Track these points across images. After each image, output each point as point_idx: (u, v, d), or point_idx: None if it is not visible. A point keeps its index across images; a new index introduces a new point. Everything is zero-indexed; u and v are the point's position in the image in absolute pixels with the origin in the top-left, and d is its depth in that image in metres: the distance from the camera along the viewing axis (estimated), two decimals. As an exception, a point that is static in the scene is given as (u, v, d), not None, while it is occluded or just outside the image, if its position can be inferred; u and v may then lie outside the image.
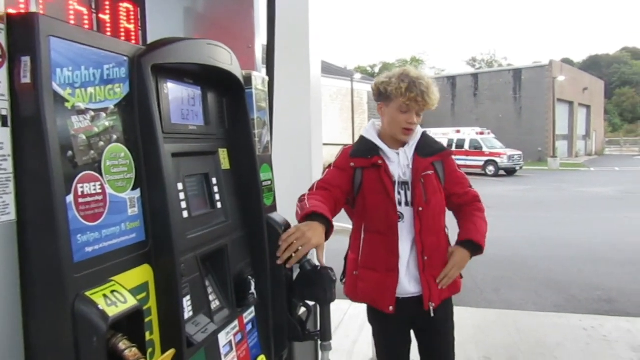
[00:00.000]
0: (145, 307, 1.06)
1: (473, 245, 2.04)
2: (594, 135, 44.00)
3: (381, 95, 2.03)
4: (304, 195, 1.95)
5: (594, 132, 43.92)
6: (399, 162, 2.03)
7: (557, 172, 25.49)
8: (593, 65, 70.99)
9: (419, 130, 2.10)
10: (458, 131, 24.30)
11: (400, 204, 2.00)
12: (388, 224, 2.00)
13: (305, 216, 1.75)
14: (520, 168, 24.24)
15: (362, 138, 2.11)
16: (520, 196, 14.65)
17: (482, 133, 24.97)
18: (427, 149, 2.06)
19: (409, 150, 2.05)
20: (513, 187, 18.09)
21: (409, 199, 2.01)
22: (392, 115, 2.01)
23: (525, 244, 7.84)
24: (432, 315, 2.01)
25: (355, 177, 2.05)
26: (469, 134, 24.47)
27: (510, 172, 23.54)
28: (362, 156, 2.04)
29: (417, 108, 1.97)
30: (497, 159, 23.42)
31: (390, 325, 2.10)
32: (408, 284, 2.01)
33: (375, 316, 2.12)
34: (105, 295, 0.91)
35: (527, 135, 32.42)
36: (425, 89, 1.94)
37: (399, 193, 2.01)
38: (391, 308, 2.01)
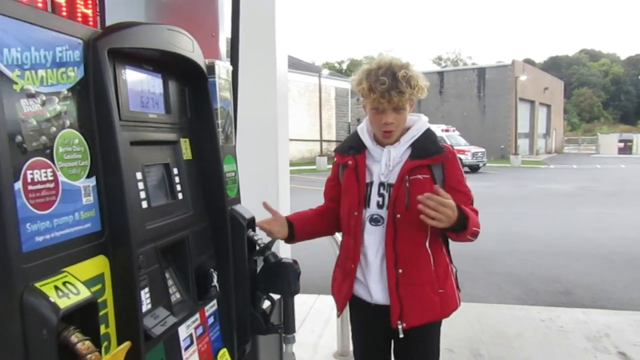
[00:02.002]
0: (100, 300, 1.03)
1: (462, 215, 1.69)
2: (553, 134, 45.40)
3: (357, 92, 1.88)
4: None
5: (553, 130, 45.32)
6: (382, 161, 1.87)
7: (518, 169, 26.20)
8: (553, 65, 73.24)
9: (421, 126, 1.89)
10: (424, 128, 24.68)
11: (380, 206, 1.84)
12: (349, 226, 1.91)
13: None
14: (484, 165, 24.79)
15: (353, 133, 2.01)
16: (483, 192, 14.96)
17: (447, 130, 25.38)
18: (422, 150, 1.84)
19: (399, 149, 1.86)
20: (476, 183, 18.47)
21: (387, 202, 1.84)
22: (369, 115, 1.85)
23: (488, 239, 8.00)
24: (402, 335, 1.83)
25: (339, 175, 2.01)
26: (434, 130, 24.78)
27: (474, 168, 24.03)
28: (341, 152, 1.99)
29: (390, 106, 1.75)
30: (462, 156, 23.66)
31: (365, 328, 2.02)
32: (380, 293, 1.87)
33: (351, 316, 2.07)
34: (56, 287, 0.87)
35: (490, 132, 33.16)
36: (389, 86, 1.70)
37: (380, 195, 1.85)
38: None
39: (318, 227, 2.07)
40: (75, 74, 1.02)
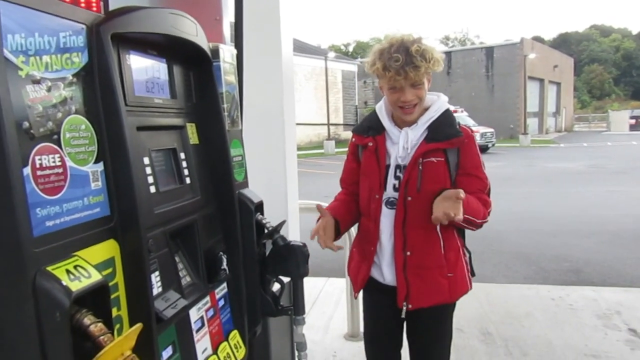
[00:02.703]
0: (111, 283, 1.04)
1: None
2: (563, 112, 44.89)
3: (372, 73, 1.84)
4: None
5: (563, 109, 44.80)
6: (400, 143, 1.82)
7: (528, 148, 25.99)
8: (563, 42, 72.12)
9: (440, 107, 1.84)
10: (431, 109, 24.45)
11: (396, 189, 1.82)
12: (369, 210, 1.89)
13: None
14: (493, 145, 24.63)
15: (372, 112, 1.95)
16: (492, 172, 14.74)
17: (455, 111, 24.79)
18: (438, 132, 1.79)
19: (416, 130, 1.81)
20: (485, 163, 18.32)
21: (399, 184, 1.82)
22: (387, 95, 1.81)
23: (497, 219, 7.96)
24: (403, 316, 1.86)
25: (358, 156, 1.96)
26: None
27: (482, 149, 23.75)
28: (360, 133, 1.93)
29: (407, 83, 1.72)
30: (470, 137, 23.62)
31: (376, 309, 2.01)
32: (390, 275, 1.87)
33: (363, 297, 2.05)
34: (68, 271, 0.89)
35: (499, 112, 32.86)
36: (403, 62, 1.67)
37: (397, 178, 1.82)
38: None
39: (353, 216, 2.01)
40: (79, 60, 1.02)
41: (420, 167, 1.77)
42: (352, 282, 2.04)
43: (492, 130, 24.62)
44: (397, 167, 1.83)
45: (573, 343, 3.46)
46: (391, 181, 1.83)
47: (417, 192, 1.77)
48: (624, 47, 75.31)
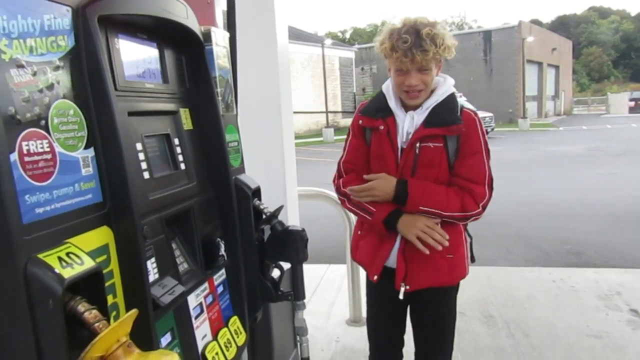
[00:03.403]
0: (106, 270, 1.03)
1: (403, 189, 1.73)
2: (562, 96, 44.73)
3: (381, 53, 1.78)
4: (342, 188, 1.91)
5: (562, 92, 44.63)
6: (405, 127, 1.79)
7: (527, 132, 25.94)
8: (561, 25, 71.69)
9: (445, 90, 1.79)
10: (430, 95, 24.27)
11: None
12: None
13: (386, 216, 1.79)
14: (492, 130, 24.54)
15: (379, 93, 1.89)
16: (492, 157, 14.86)
17: (454, 96, 25.03)
18: (438, 117, 1.75)
19: (421, 115, 1.78)
20: (485, 148, 18.31)
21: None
22: (393, 77, 1.76)
23: (498, 203, 7.94)
24: (401, 297, 1.84)
25: (366, 138, 1.89)
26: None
27: (482, 134, 23.76)
28: (369, 115, 1.85)
29: (414, 67, 1.68)
30: (469, 122, 23.55)
31: (380, 292, 1.98)
32: (393, 257, 1.86)
33: (367, 281, 2.01)
34: (60, 258, 0.87)
35: (497, 97, 32.74)
36: (412, 44, 1.62)
37: (400, 159, 1.81)
38: (375, 277, 1.89)
39: None
40: (65, 43, 1.00)
41: (417, 152, 1.75)
42: (367, 265, 1.95)
43: (491, 114, 24.52)
44: (403, 149, 1.80)
45: (575, 324, 3.46)
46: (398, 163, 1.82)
47: (411, 176, 1.76)
48: (623, 29, 74.83)
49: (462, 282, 1.95)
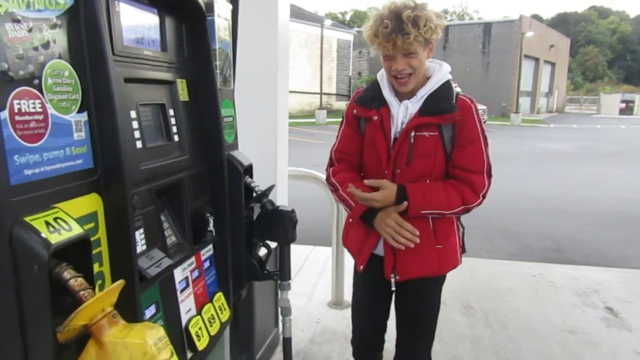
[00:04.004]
0: (94, 238, 1.01)
1: (403, 194, 1.72)
2: (556, 93, 44.89)
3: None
4: (331, 178, 1.89)
5: (556, 89, 44.79)
6: (399, 117, 1.76)
7: (518, 127, 26.08)
8: (561, 22, 71.62)
9: (440, 78, 1.76)
10: (426, 83, 24.12)
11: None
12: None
13: (362, 213, 1.80)
14: (484, 122, 24.53)
15: (373, 82, 1.86)
16: (482, 150, 14.94)
17: (448, 86, 25.03)
18: (432, 106, 1.72)
19: (416, 104, 1.74)
20: (475, 140, 18.38)
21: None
22: (383, 63, 1.73)
23: (484, 196, 8.05)
24: (393, 288, 1.86)
25: (360, 128, 1.86)
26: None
27: (474, 126, 23.86)
28: (363, 105, 1.82)
29: (398, 51, 1.64)
30: (462, 113, 23.63)
31: (366, 278, 1.96)
32: (381, 245, 1.85)
33: (355, 267, 2.01)
34: (47, 222, 0.85)
35: (492, 90, 32.74)
36: (392, 29, 1.59)
37: (393, 148, 1.78)
38: (362, 267, 1.90)
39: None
40: (64, 1, 0.96)
41: (412, 141, 1.72)
42: (355, 254, 1.95)
43: (484, 107, 24.53)
44: (396, 139, 1.77)
45: (552, 318, 3.52)
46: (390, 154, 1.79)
47: (406, 166, 1.74)
48: (620, 30, 75.04)
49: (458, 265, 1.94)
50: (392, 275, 1.83)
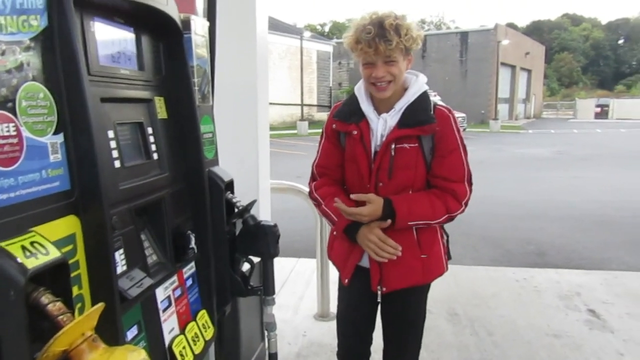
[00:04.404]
0: (72, 261, 1.00)
1: (389, 208, 1.72)
2: (533, 99, 45.74)
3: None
4: (314, 193, 1.90)
5: (533, 95, 45.63)
6: (378, 131, 1.77)
7: (498, 134, 26.46)
8: (535, 30, 73.16)
9: (417, 90, 1.77)
10: (405, 92, 24.28)
11: None
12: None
13: (345, 227, 1.80)
14: (464, 130, 24.94)
15: (351, 96, 1.86)
16: (462, 157, 15.11)
17: (428, 95, 25.37)
18: (411, 118, 1.73)
19: (394, 117, 1.75)
20: (456, 148, 18.60)
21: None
22: (362, 72, 1.74)
23: (466, 202, 8.14)
24: (379, 300, 1.87)
25: (341, 141, 1.86)
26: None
27: (454, 133, 24.18)
28: (342, 119, 1.82)
29: (379, 58, 1.66)
30: (442, 121, 23.95)
31: (351, 290, 1.95)
32: (366, 256, 1.85)
33: (340, 279, 2.00)
34: (23, 247, 0.84)
35: (471, 97, 33.23)
36: (375, 34, 1.61)
37: (374, 162, 1.78)
38: (346, 281, 1.90)
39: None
40: (38, 23, 0.96)
41: (393, 154, 1.73)
42: (340, 267, 1.95)
43: (463, 115, 24.90)
44: (376, 153, 1.78)
45: (536, 323, 3.56)
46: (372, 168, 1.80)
47: (389, 179, 1.75)
48: (593, 37, 76.97)
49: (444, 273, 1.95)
50: (378, 287, 1.84)
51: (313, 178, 1.96)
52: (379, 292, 1.84)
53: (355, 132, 1.78)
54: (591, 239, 6.29)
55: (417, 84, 1.80)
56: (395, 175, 1.74)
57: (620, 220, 7.18)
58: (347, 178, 1.88)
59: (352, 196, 1.79)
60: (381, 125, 1.77)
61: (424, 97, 1.77)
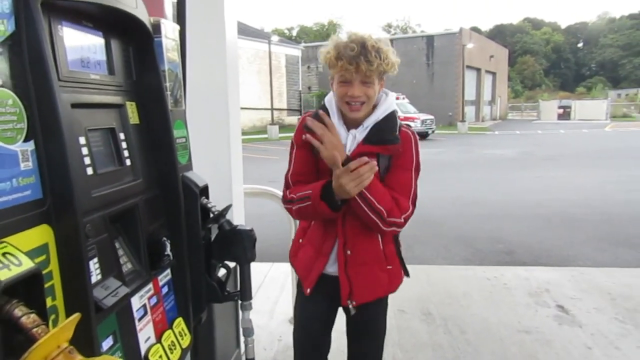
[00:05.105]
0: (45, 271, 0.97)
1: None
2: (498, 101, 46.84)
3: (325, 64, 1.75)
4: (288, 196, 1.85)
5: (498, 97, 46.74)
6: (347, 146, 1.77)
7: (465, 135, 27.00)
8: (499, 34, 75.04)
9: (386, 108, 1.78)
10: (375, 96, 24.42)
11: None
12: None
13: (321, 189, 1.71)
14: (433, 132, 25.37)
15: (322, 107, 1.84)
16: (431, 159, 15.33)
17: (397, 98, 25.69)
18: (377, 136, 1.74)
19: (363, 133, 1.76)
20: (425, 150, 18.76)
21: None
22: (336, 89, 1.73)
23: (436, 204, 8.27)
24: (352, 313, 1.86)
25: (313, 151, 1.81)
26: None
27: (423, 135, 24.53)
28: (313, 131, 1.78)
29: (357, 77, 1.66)
30: (411, 123, 24.25)
31: (314, 302, 1.94)
32: (333, 266, 1.86)
33: (299, 288, 2.00)
34: (-5, 258, 0.81)
35: (438, 100, 33.82)
36: (358, 52, 1.62)
37: None
38: (308, 290, 1.90)
39: None
40: (5, 28, 0.93)
41: None
42: (302, 277, 1.95)
43: (432, 117, 25.33)
44: None
45: (507, 320, 3.64)
46: None
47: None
48: (554, 40, 79.49)
49: (403, 281, 1.98)
50: (349, 301, 1.84)
51: (287, 186, 1.92)
52: (351, 306, 1.84)
53: None
54: (557, 236, 6.48)
55: (386, 102, 1.81)
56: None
57: (584, 218, 7.42)
58: None
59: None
60: (350, 140, 1.78)
61: (391, 116, 1.79)
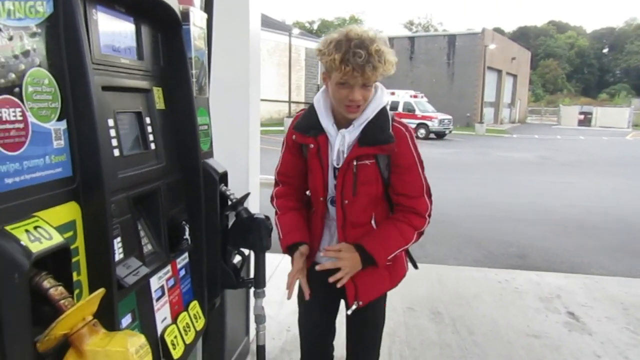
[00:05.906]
0: (72, 247, 1.00)
1: (366, 255, 1.75)
2: (518, 104, 46.30)
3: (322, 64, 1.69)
4: (274, 200, 1.94)
5: (518, 100, 46.19)
6: (336, 146, 1.74)
7: (483, 137, 26.77)
8: (522, 36, 74.00)
9: (376, 106, 1.73)
10: (393, 93, 24.17)
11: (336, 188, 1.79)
12: (317, 207, 1.86)
13: (287, 248, 1.88)
14: (450, 132, 25.20)
15: (310, 107, 1.82)
16: (448, 159, 15.26)
17: (415, 96, 25.59)
18: (371, 136, 1.71)
19: (353, 133, 1.73)
20: (442, 149, 18.80)
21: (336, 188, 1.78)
22: (333, 90, 1.67)
23: (450, 204, 8.23)
24: (349, 311, 1.87)
25: (302, 153, 1.85)
26: (403, 96, 24.94)
27: (440, 135, 24.43)
28: (301, 132, 1.80)
29: (360, 81, 1.61)
30: (429, 122, 24.20)
31: (313, 286, 1.91)
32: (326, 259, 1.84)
33: (299, 288, 1.99)
34: (27, 231, 0.84)
35: (457, 100, 33.53)
36: (365, 60, 1.55)
37: (336, 178, 1.77)
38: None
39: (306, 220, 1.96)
40: (44, 9, 0.96)
41: (355, 170, 1.73)
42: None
43: (450, 117, 25.15)
44: (336, 168, 1.77)
45: (516, 324, 3.63)
46: (332, 182, 1.79)
47: (353, 196, 1.75)
48: (578, 45, 78.13)
49: (413, 279, 1.97)
50: (355, 302, 1.84)
51: (275, 184, 1.97)
52: (354, 306, 1.85)
53: (312, 146, 1.77)
54: (571, 242, 6.42)
55: (375, 99, 1.75)
56: (359, 192, 1.75)
57: (600, 226, 7.33)
58: (310, 187, 1.89)
59: (321, 254, 1.84)
60: (339, 140, 1.74)
61: (382, 113, 1.74)
